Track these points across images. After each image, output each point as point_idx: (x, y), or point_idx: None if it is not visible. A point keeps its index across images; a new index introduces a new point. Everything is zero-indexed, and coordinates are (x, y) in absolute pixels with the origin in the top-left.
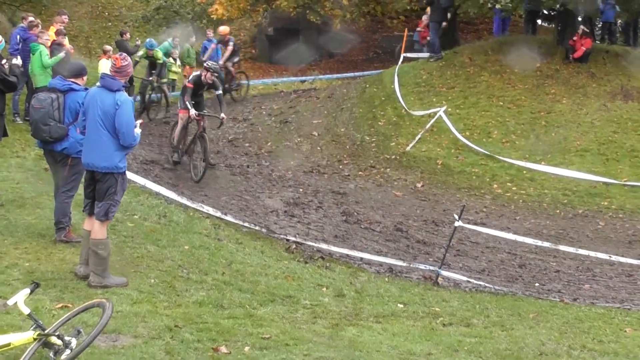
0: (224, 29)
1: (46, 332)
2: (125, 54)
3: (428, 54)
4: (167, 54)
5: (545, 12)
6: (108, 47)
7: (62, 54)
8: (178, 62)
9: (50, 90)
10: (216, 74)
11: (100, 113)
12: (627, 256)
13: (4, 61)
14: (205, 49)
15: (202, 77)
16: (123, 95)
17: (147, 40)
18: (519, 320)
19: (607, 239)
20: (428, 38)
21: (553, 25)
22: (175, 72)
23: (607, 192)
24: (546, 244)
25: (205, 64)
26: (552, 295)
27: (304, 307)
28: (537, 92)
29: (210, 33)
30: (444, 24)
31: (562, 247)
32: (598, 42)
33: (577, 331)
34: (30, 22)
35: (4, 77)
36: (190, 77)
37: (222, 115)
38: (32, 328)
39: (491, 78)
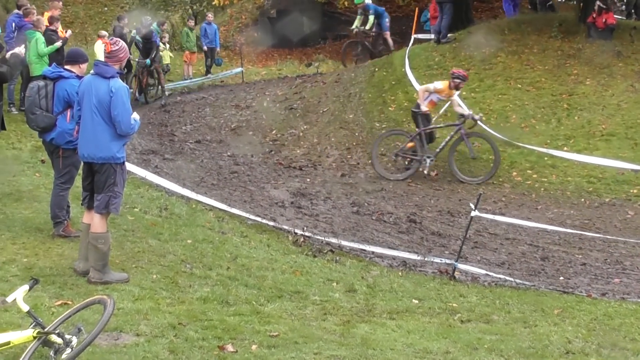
0: None
1: (46, 330)
2: (117, 39)
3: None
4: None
5: None
6: (104, 32)
7: (58, 43)
8: (168, 46)
9: (43, 79)
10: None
11: (95, 102)
12: None
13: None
14: (205, 32)
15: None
16: (117, 82)
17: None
18: (543, 317)
19: (637, 229)
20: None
21: (575, 2)
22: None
23: (636, 179)
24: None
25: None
26: (579, 289)
27: (314, 303)
28: (558, 73)
29: (209, 16)
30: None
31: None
32: (624, 19)
33: (607, 328)
34: (26, 9)
35: None
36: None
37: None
38: (31, 326)
39: (508, 59)
